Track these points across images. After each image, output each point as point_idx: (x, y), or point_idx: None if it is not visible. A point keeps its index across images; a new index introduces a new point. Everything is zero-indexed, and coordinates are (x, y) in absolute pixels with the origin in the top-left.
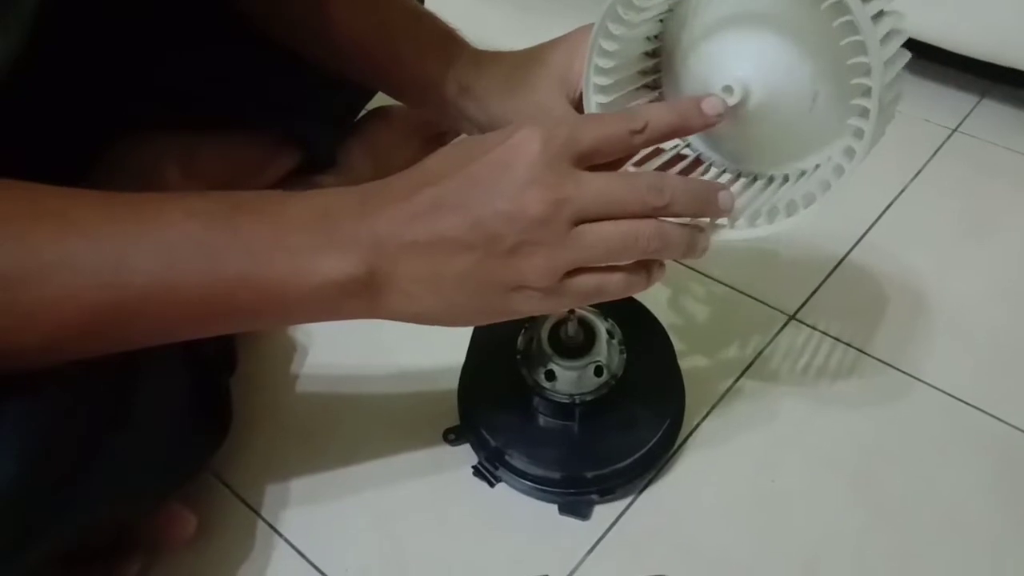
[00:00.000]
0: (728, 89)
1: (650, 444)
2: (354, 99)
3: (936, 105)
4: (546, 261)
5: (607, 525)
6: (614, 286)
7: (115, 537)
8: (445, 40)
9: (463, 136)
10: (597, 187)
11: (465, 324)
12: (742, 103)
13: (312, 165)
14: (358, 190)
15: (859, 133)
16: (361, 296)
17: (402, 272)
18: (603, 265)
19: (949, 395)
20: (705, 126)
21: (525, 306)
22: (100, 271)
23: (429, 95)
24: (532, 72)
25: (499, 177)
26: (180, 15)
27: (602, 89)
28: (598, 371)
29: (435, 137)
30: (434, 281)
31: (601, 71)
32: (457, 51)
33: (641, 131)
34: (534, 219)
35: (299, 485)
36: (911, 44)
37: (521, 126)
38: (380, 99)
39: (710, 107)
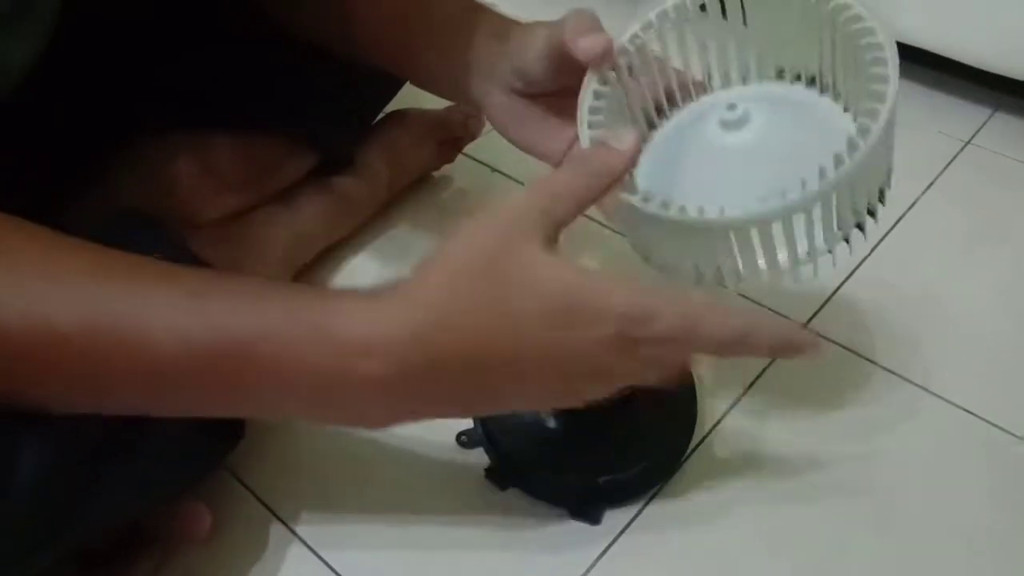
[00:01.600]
0: (732, 107)
1: (663, 451)
2: (371, 101)
3: (949, 117)
4: (602, 389)
5: (617, 531)
6: (651, 379)
7: (132, 533)
8: (462, 22)
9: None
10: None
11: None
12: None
13: (328, 167)
14: (402, 341)
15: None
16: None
17: (436, 400)
18: None
19: (958, 407)
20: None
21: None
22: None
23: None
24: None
25: (568, 366)
26: (191, 14)
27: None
28: None
29: (451, 141)
30: (469, 404)
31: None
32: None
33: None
34: (602, 374)
35: (313, 484)
36: (927, 55)
37: (600, 297)
38: (397, 102)
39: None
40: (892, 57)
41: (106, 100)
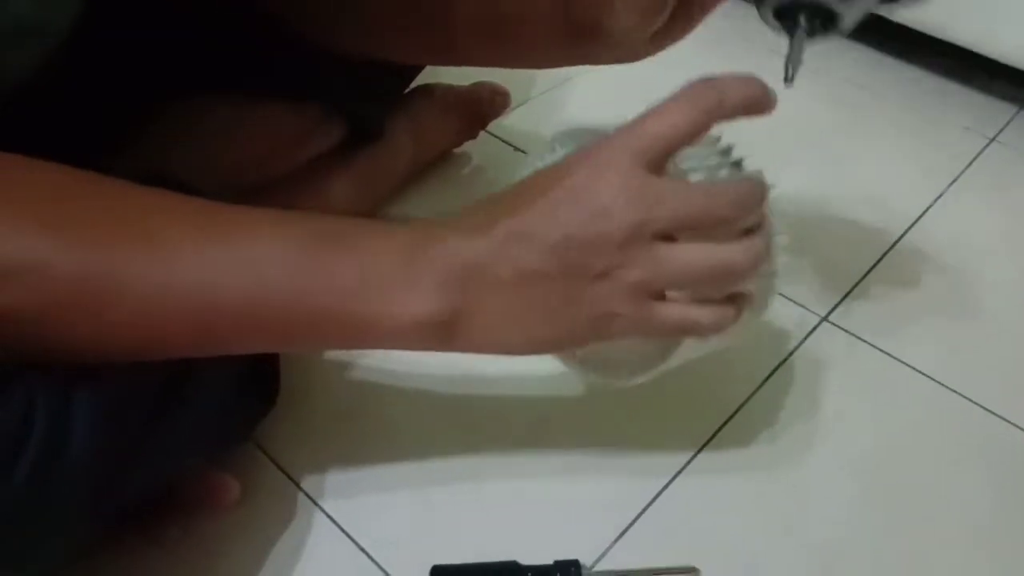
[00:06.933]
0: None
1: None
2: (401, 73)
3: (975, 112)
4: (630, 284)
5: (638, 510)
6: (704, 319)
7: (163, 497)
8: None
9: (541, 165)
10: (677, 204)
11: (551, 352)
12: None
13: (357, 140)
14: (442, 222)
15: None
16: (445, 333)
17: (485, 308)
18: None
19: (976, 404)
20: (770, 109)
21: (612, 334)
22: (188, 297)
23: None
24: None
25: (575, 205)
26: None
27: None
28: None
29: (476, 117)
30: (517, 314)
31: None
32: None
33: (717, 108)
34: (613, 243)
35: (338, 456)
36: (955, 49)
37: (593, 152)
38: (422, 78)
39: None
40: None
41: (138, 66)
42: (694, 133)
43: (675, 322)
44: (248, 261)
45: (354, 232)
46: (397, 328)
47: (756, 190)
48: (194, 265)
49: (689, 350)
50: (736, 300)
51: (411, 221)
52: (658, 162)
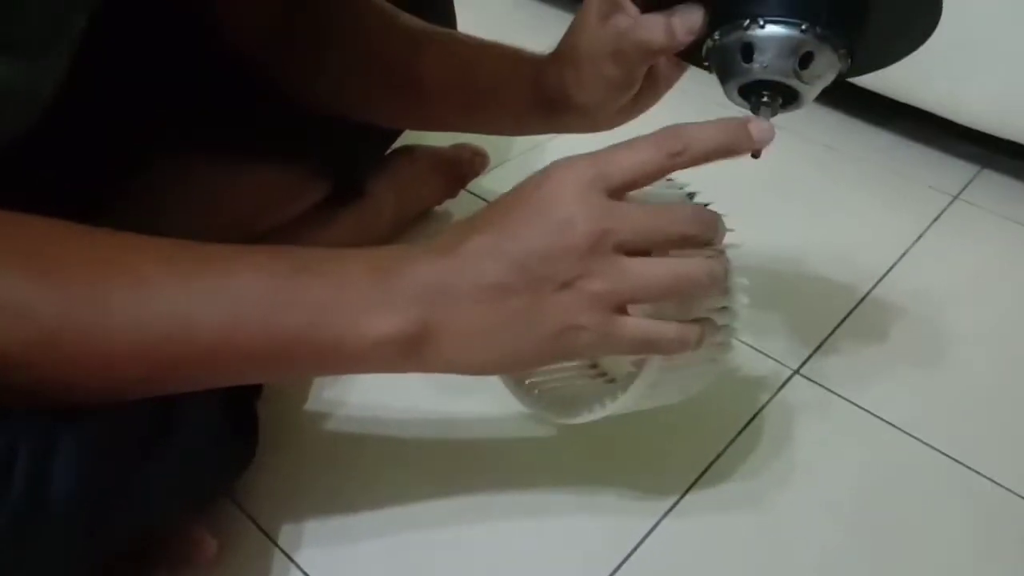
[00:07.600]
0: None
1: None
2: (384, 133)
3: (939, 172)
4: (593, 294)
5: (618, 561)
6: (668, 334)
7: (140, 551)
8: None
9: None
10: (636, 219)
11: (519, 370)
12: None
13: (340, 198)
14: (412, 246)
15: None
16: (414, 349)
17: (453, 324)
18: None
19: (945, 455)
20: (750, 149)
21: (578, 348)
22: (167, 329)
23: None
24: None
25: (537, 219)
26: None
27: None
28: None
29: (458, 177)
30: (485, 330)
31: None
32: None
33: (680, 154)
34: (576, 253)
35: (313, 509)
36: (920, 112)
37: (553, 169)
38: (405, 138)
39: (759, 132)
40: None
41: (123, 126)
42: (654, 171)
43: (639, 335)
44: (222, 291)
45: (325, 259)
46: (367, 347)
47: (714, 217)
48: (171, 299)
49: (639, 395)
50: (700, 323)
51: (390, 246)
52: (616, 190)
